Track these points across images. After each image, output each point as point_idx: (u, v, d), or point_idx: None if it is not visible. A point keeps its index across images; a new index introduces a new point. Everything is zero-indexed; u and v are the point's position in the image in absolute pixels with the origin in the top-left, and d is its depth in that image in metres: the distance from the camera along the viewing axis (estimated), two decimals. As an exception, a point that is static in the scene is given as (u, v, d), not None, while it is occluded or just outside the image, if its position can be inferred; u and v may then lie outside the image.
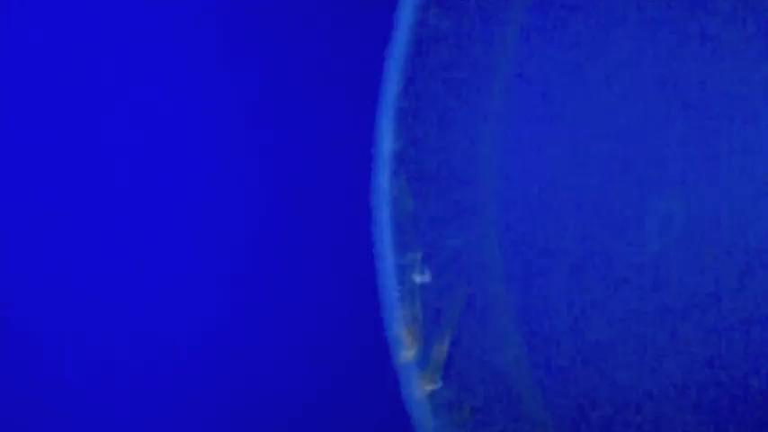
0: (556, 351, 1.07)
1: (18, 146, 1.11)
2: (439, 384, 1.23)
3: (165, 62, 1.12)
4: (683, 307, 0.98)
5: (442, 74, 1.21)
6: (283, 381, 1.14)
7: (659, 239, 0.98)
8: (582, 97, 1.06)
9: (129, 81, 1.11)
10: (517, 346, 1.13)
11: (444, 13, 1.20)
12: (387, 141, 1.25)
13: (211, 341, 1.11)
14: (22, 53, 1.09)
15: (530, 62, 1.14)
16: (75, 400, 1.10)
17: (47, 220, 1.12)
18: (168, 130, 1.13)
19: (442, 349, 1.20)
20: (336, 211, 1.18)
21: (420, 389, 1.23)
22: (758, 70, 0.95)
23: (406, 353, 1.24)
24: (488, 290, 1.15)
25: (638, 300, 1.01)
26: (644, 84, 0.99)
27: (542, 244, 1.11)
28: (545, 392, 1.12)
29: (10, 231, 1.09)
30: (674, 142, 0.96)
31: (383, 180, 1.25)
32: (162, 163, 1.13)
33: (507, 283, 1.14)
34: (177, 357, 1.11)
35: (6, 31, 1.08)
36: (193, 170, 1.12)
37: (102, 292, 1.12)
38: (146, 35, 1.11)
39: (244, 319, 1.11)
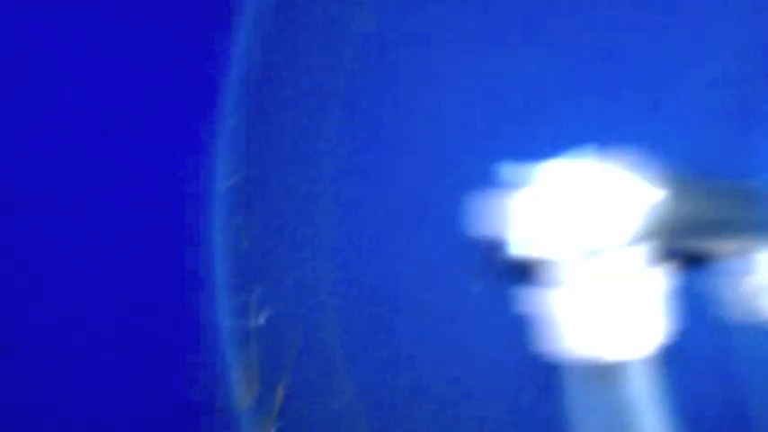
0: (384, 391, 1.04)
1: None
2: (275, 429, 1.18)
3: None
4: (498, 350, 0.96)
5: (281, 107, 1.19)
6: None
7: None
8: (411, 130, 1.05)
9: None
10: (352, 389, 1.09)
11: (280, 47, 1.18)
12: (223, 177, 1.21)
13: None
14: None
15: (366, 90, 1.12)
16: None
17: None
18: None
19: (278, 393, 1.15)
20: (163, 247, 1.13)
21: (256, 435, 1.18)
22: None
23: (244, 398, 1.18)
24: (323, 329, 1.11)
25: (468, 342, 0.99)
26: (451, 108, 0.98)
27: (375, 281, 1.08)
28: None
29: None
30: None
31: (218, 217, 1.21)
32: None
33: (343, 321, 1.10)
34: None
35: None
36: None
37: None
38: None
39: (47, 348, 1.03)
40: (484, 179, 0.37)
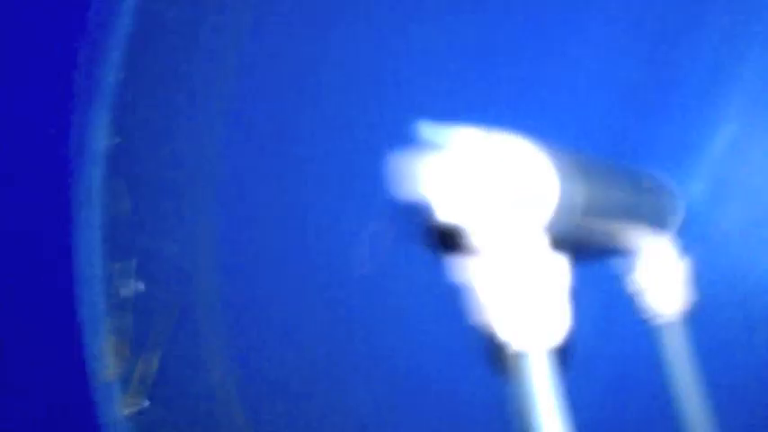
0: (259, 369, 1.01)
1: None
2: (145, 404, 1.13)
3: None
4: (384, 330, 0.96)
5: (167, 66, 1.13)
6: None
7: (370, 261, 0.95)
8: (307, 100, 1.02)
9: None
10: (225, 364, 1.06)
11: (167, 10, 1.12)
12: (101, 137, 1.14)
13: None
14: None
15: (258, 64, 1.08)
16: None
17: None
18: None
19: (150, 366, 1.10)
20: (28, 210, 1.05)
21: (124, 408, 1.13)
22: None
23: (110, 370, 1.13)
24: (200, 303, 1.07)
25: (344, 320, 0.98)
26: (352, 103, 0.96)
27: (252, 256, 1.05)
28: (250, 413, 1.06)
29: None
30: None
31: (94, 180, 1.14)
32: None
33: (219, 295, 1.07)
34: None
35: None
36: None
37: None
38: None
39: None
40: (400, 139, 0.35)
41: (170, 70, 1.11)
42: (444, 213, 0.36)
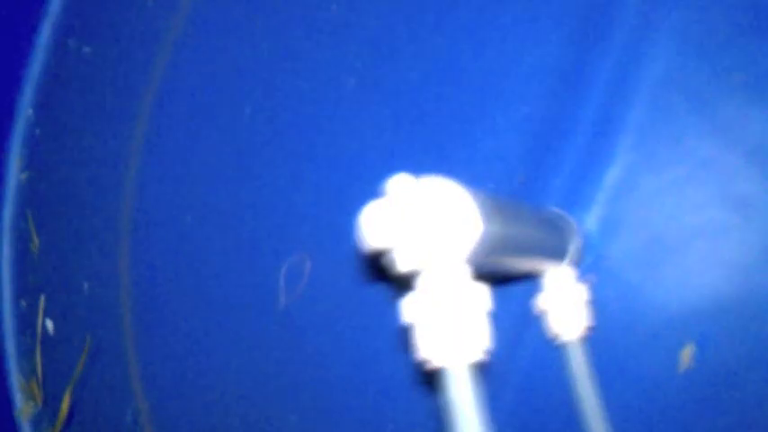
0: (178, 408, 1.01)
1: None
2: (59, 441, 1.11)
3: None
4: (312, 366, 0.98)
5: (81, 100, 1.13)
6: None
7: (288, 295, 0.97)
8: (225, 135, 1.04)
9: None
10: (138, 401, 1.05)
11: (86, 38, 1.13)
12: (14, 171, 1.13)
13: None
14: None
15: (178, 92, 1.09)
16: None
17: None
18: None
19: (63, 404, 1.09)
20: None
21: (36, 449, 1.10)
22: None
23: (25, 408, 1.10)
24: (113, 338, 1.06)
25: (265, 354, 0.99)
26: (283, 127, 0.99)
27: (167, 288, 1.05)
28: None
29: None
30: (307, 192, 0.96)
31: (5, 215, 1.12)
32: None
33: (132, 330, 1.06)
34: None
35: None
36: None
37: None
38: None
39: None
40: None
41: (81, 107, 1.12)
42: (376, 245, 0.41)
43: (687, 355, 0.72)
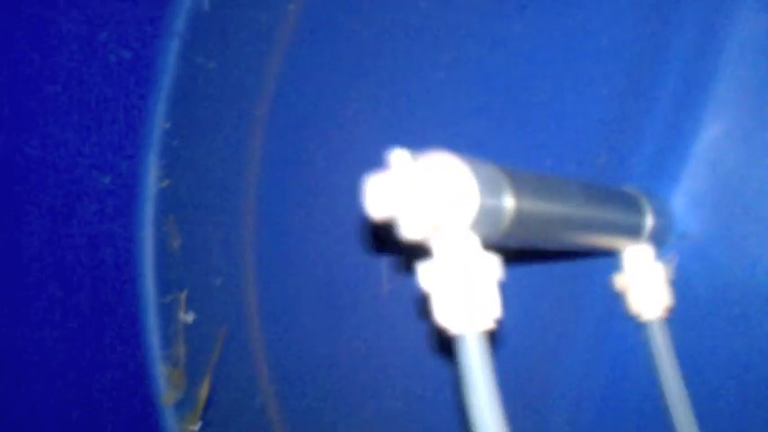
0: (301, 392, 1.08)
1: None
2: (198, 426, 1.22)
3: None
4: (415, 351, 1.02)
5: (209, 110, 1.23)
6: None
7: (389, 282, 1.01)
8: (333, 131, 1.10)
9: None
10: (270, 387, 1.14)
11: (210, 53, 1.23)
12: (153, 179, 1.25)
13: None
14: None
15: (292, 95, 1.17)
16: None
17: None
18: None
19: (203, 390, 1.19)
20: (92, 246, 1.16)
21: (181, 431, 1.22)
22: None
23: (169, 394, 1.22)
24: (245, 329, 1.16)
25: (377, 343, 1.04)
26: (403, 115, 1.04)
27: (287, 281, 1.13)
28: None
29: None
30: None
31: (147, 218, 1.25)
32: None
33: (262, 322, 1.15)
34: None
35: None
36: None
37: None
38: None
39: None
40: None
41: (209, 116, 1.22)
42: (381, 217, 0.43)
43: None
